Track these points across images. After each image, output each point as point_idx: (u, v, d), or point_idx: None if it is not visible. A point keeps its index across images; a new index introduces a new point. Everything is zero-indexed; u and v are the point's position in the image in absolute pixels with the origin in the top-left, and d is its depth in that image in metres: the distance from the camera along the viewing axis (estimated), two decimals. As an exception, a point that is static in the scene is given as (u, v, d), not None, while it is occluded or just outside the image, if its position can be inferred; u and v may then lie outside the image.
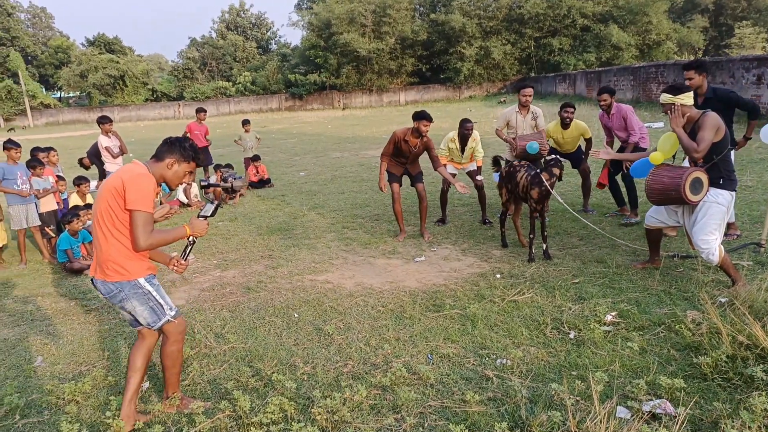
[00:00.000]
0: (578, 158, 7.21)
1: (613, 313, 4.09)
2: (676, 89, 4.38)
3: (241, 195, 9.88)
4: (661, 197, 4.49)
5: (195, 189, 9.66)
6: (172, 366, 3.20)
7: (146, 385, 3.59)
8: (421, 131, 6.21)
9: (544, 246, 5.62)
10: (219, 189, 9.39)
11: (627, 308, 4.17)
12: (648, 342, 3.67)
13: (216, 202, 3.26)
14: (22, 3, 61.96)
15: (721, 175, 4.32)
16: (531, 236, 5.61)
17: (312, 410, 3.04)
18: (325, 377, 3.56)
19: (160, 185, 3.18)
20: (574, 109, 7.03)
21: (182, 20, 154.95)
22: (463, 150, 7.03)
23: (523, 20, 39.55)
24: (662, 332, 3.79)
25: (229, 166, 10.25)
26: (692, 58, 38.84)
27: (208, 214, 3.19)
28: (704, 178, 4.29)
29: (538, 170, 5.61)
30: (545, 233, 5.65)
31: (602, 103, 6.65)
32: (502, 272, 5.30)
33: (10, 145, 6.77)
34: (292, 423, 2.85)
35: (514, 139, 6.92)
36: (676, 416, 2.72)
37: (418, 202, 6.75)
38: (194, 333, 4.32)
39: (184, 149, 3.04)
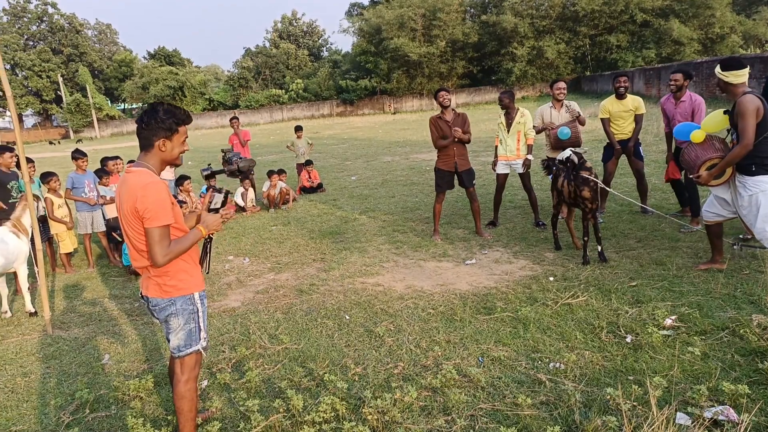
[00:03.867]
0: (635, 152, 6.92)
1: (673, 317, 3.94)
2: (727, 65, 4.22)
3: (294, 200, 10.10)
4: (687, 167, 4.68)
5: (251, 194, 9.94)
6: (189, 410, 2.85)
7: (204, 383, 3.73)
8: (443, 103, 6.50)
9: (599, 248, 5.47)
10: (272, 193, 9.66)
11: (688, 312, 4.01)
12: (710, 347, 3.52)
13: (224, 191, 3.03)
14: (90, 20, 65.62)
15: (753, 161, 4.15)
16: (585, 238, 5.48)
17: (363, 410, 3.08)
18: (375, 378, 3.59)
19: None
20: (628, 77, 6.88)
21: (238, 31, 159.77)
22: (509, 126, 6.95)
23: (578, 18, 38.62)
24: (726, 337, 3.62)
25: (230, 150, 10.33)
26: (758, 51, 36.87)
27: (219, 206, 3.02)
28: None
29: (576, 171, 5.49)
30: (599, 235, 5.50)
31: (673, 83, 6.10)
32: (555, 275, 5.20)
33: (78, 155, 7.19)
34: (344, 422, 2.90)
35: (545, 129, 6.83)
36: (739, 423, 2.60)
37: (470, 203, 6.76)
38: (249, 334, 4.46)
39: (162, 121, 2.65)
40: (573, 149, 5.63)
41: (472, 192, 6.71)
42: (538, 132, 7.01)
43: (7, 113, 57.32)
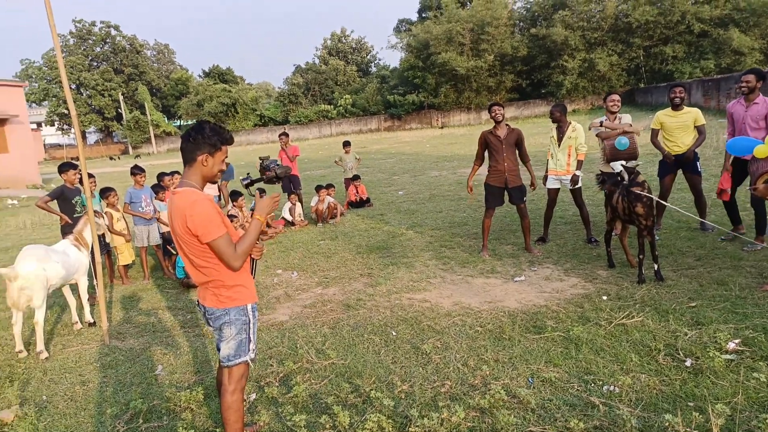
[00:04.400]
0: (692, 167, 6.65)
1: (737, 341, 3.73)
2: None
3: (341, 214, 10.19)
4: (751, 177, 4.58)
5: (299, 208, 10.10)
6: (235, 421, 2.90)
7: (252, 396, 3.78)
8: (496, 118, 6.45)
9: (656, 266, 5.25)
10: (320, 208, 9.79)
11: (752, 335, 3.79)
12: (779, 374, 3.31)
13: (270, 173, 3.08)
14: (149, 41, 68.79)
15: None
16: (640, 256, 5.28)
17: (409, 429, 3.05)
18: (422, 396, 3.55)
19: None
20: (684, 88, 6.63)
21: (289, 49, 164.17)
22: (560, 141, 6.81)
23: (631, 29, 37.65)
24: (796, 364, 3.40)
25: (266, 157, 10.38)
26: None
27: (249, 181, 3.10)
28: None
29: (628, 187, 5.32)
30: (656, 253, 5.28)
31: (744, 84, 5.73)
32: (609, 294, 5.03)
33: (136, 170, 7.51)
34: (390, 440, 2.87)
35: (602, 133, 6.64)
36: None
37: (520, 220, 6.66)
38: (297, 348, 4.50)
39: (208, 138, 2.77)
40: (624, 163, 5.45)
41: (522, 208, 6.62)
42: (597, 135, 6.84)
43: (72, 131, 60.67)
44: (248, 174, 3.33)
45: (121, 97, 56.71)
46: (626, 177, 5.30)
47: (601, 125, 6.62)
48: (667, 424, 2.83)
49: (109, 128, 61.53)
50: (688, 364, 3.57)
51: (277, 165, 3.09)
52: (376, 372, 3.96)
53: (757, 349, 3.63)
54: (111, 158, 49.54)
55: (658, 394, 3.29)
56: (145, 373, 4.39)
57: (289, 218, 9.94)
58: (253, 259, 3.05)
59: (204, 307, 2.91)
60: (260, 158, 3.52)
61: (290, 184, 10.60)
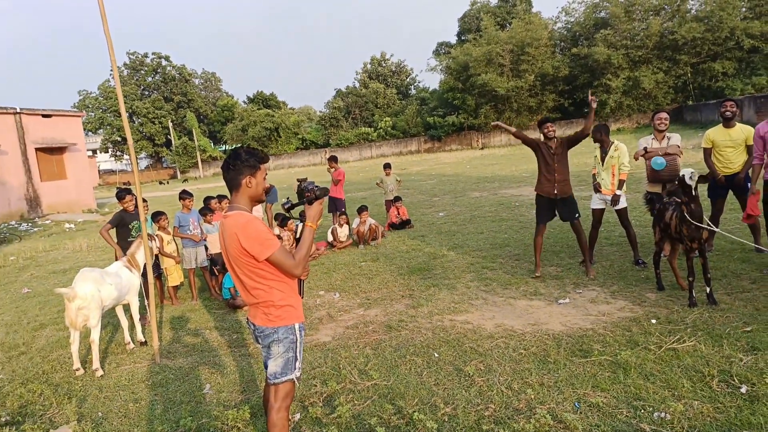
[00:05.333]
0: (743, 188, 6.41)
1: (797, 368, 3.57)
2: None
3: (383, 236, 10.26)
4: None
5: (346, 229, 10.21)
6: None
7: (297, 416, 3.83)
8: (548, 134, 6.43)
9: (708, 289, 5.08)
10: (362, 230, 9.89)
11: (815, 363, 3.62)
12: (844, 403, 3.15)
13: (311, 194, 3.16)
14: (197, 70, 71.52)
15: None
16: (690, 278, 5.12)
17: (453, 452, 3.03)
18: (466, 419, 3.53)
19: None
20: (735, 103, 6.42)
21: (330, 74, 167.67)
22: (603, 160, 6.73)
23: (677, 46, 36.88)
24: None
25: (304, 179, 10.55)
26: None
27: (315, 197, 3.15)
28: None
29: (678, 203, 5.14)
30: (708, 275, 5.11)
31: None
32: (658, 317, 4.88)
33: (185, 195, 7.81)
34: (433, 463, 2.86)
35: (645, 155, 6.51)
36: None
37: (576, 238, 6.63)
38: (340, 369, 4.54)
39: (246, 161, 2.93)
40: (692, 172, 5.05)
41: (577, 225, 6.52)
42: (638, 158, 6.74)
43: (126, 157, 63.36)
44: (288, 198, 3.44)
45: (170, 124, 59.00)
46: (693, 185, 5.00)
47: (645, 151, 6.54)
48: (722, 453, 2.73)
49: (159, 154, 64.01)
50: (743, 390, 3.43)
51: (316, 187, 3.21)
52: (418, 393, 3.95)
53: (820, 377, 3.46)
54: (160, 183, 51.41)
55: (712, 421, 3.17)
56: (194, 392, 4.51)
57: (330, 239, 10.06)
58: (301, 280, 3.13)
59: (254, 325, 3.02)
60: (298, 180, 3.64)
61: (335, 206, 10.80)
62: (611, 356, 4.18)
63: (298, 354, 2.99)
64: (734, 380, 3.57)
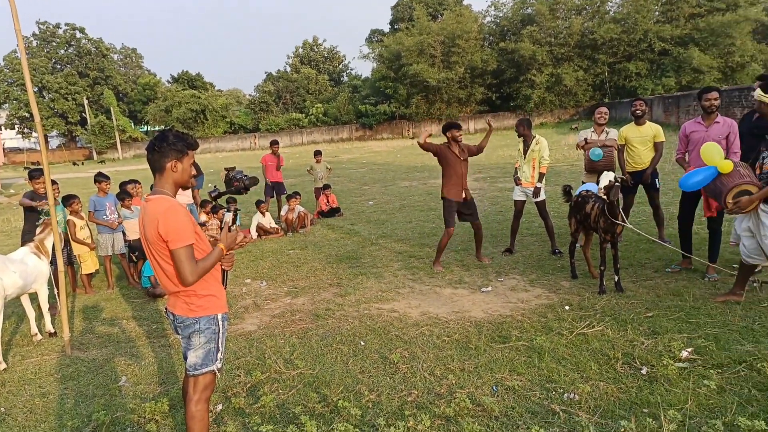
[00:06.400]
0: (651, 184, 6.86)
1: (689, 349, 3.90)
2: None
3: (312, 224, 10.19)
4: (713, 197, 4.66)
5: (269, 218, 10.04)
6: (200, 431, 2.89)
7: (219, 407, 3.77)
8: (458, 139, 6.62)
9: (616, 278, 5.44)
10: (291, 217, 9.77)
11: (704, 344, 3.97)
12: (727, 381, 3.48)
13: (234, 209, 3.17)
14: (116, 45, 67.45)
15: None
16: (602, 267, 5.46)
17: (376, 438, 3.09)
18: (389, 405, 3.60)
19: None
20: (645, 103, 6.89)
21: (260, 57, 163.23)
22: (525, 154, 7.03)
23: (596, 46, 38.87)
24: (743, 371, 3.57)
25: (233, 168, 10.45)
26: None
27: (230, 223, 3.13)
28: (755, 191, 4.15)
29: (600, 198, 5.47)
30: (617, 265, 5.47)
31: (709, 102, 5.48)
32: (572, 304, 5.18)
33: (101, 178, 7.39)
34: (356, 449, 2.91)
35: (584, 146, 6.89)
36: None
37: (474, 233, 6.97)
38: (265, 358, 4.50)
39: (173, 144, 2.82)
40: (614, 177, 5.35)
41: (477, 226, 6.92)
42: (579, 148, 7.11)
43: (34, 134, 58.99)
44: (215, 186, 3.38)
45: (85, 101, 55.42)
46: (609, 191, 5.27)
47: (586, 142, 6.89)
48: (622, 430, 2.95)
49: (73, 133, 60.04)
50: (644, 372, 3.72)
51: (245, 176, 3.12)
52: (344, 382, 3.99)
53: (708, 358, 3.80)
54: (74, 163, 48.37)
55: (616, 401, 3.41)
56: (108, 385, 4.32)
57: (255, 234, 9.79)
58: (225, 270, 3.07)
59: (173, 315, 2.92)
60: (226, 169, 3.57)
61: (273, 191, 10.64)
62: (528, 341, 4.39)
63: (220, 345, 2.93)
64: (636, 362, 3.86)
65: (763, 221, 4.28)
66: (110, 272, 7.33)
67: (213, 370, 2.92)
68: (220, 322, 2.92)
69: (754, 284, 5.03)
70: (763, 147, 4.39)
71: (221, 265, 3.00)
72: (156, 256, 2.81)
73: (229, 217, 3.09)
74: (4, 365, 4.77)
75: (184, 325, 2.88)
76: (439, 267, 6.81)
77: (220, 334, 2.93)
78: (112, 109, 53.20)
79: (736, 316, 4.43)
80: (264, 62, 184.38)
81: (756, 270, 4.89)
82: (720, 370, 3.62)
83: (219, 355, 2.93)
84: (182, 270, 2.69)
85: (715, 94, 5.49)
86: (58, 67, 61.05)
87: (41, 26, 59.53)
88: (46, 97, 57.62)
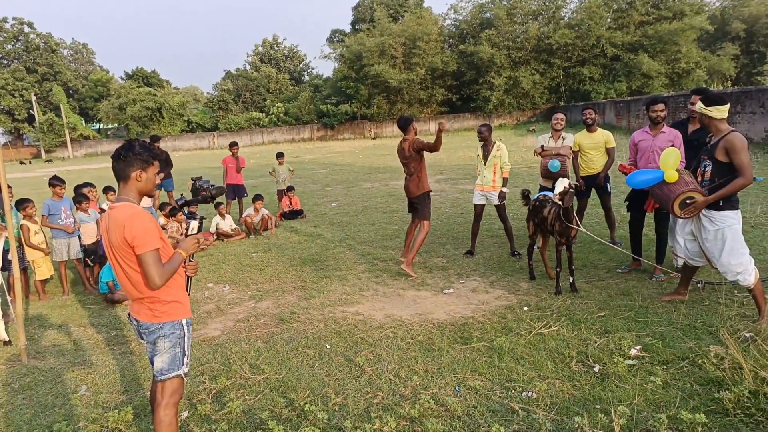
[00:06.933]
0: (603, 188, 7.17)
1: (638, 347, 4.14)
2: (711, 100, 4.35)
3: (276, 226, 10.17)
4: (660, 203, 4.93)
5: (229, 221, 9.96)
6: None
7: (185, 414, 3.77)
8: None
9: (571, 279, 5.68)
10: (251, 220, 9.72)
11: (651, 342, 4.21)
12: (671, 376, 3.72)
13: (199, 217, 3.30)
14: (66, 40, 65.10)
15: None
16: (558, 269, 5.69)
17: (343, 440, 3.17)
18: (355, 408, 3.69)
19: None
20: (595, 111, 7.18)
21: (218, 54, 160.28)
22: (485, 158, 7.21)
23: (552, 50, 39.91)
24: (686, 367, 3.82)
25: (199, 178, 10.49)
26: (721, 86, 38.49)
27: (195, 231, 3.31)
28: (699, 197, 4.43)
29: (558, 205, 5.68)
30: (572, 266, 5.72)
31: (656, 113, 5.75)
32: (530, 305, 5.38)
33: (56, 181, 7.20)
34: (324, 452, 2.98)
35: (541, 153, 7.11)
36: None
37: (417, 235, 6.75)
38: (230, 364, 4.51)
39: (139, 154, 2.89)
40: (569, 183, 5.54)
41: (422, 223, 6.79)
42: (536, 155, 7.30)
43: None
44: (182, 195, 3.47)
45: (33, 98, 53.24)
46: (564, 197, 5.49)
47: (542, 149, 7.10)
48: (576, 425, 3.13)
49: (20, 130, 57.71)
50: (596, 369, 3.92)
51: (211, 186, 3.24)
52: (310, 385, 4.05)
53: (655, 355, 4.04)
54: (21, 162, 46.47)
55: (570, 398, 3.60)
56: (68, 394, 4.25)
57: (225, 230, 9.73)
58: (188, 276, 3.12)
59: (137, 321, 2.96)
60: (192, 179, 3.64)
61: (234, 194, 10.63)
62: (488, 342, 4.55)
63: (185, 349, 2.99)
64: (589, 360, 4.06)
65: (704, 225, 4.56)
66: (65, 278, 7.15)
67: (180, 375, 2.97)
68: (185, 327, 2.99)
69: (698, 284, 5.34)
70: (703, 155, 4.68)
71: (185, 272, 3.07)
72: (121, 262, 2.85)
73: (194, 224, 3.31)
74: (-44, 376, 4.62)
75: (149, 331, 2.93)
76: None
77: (186, 339, 2.99)
78: (61, 106, 51.27)
79: (680, 314, 4.71)
80: (222, 60, 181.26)
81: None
82: (665, 367, 3.86)
83: (185, 359, 2.99)
84: (150, 273, 2.75)
85: (661, 106, 5.81)
86: (5, 62, 58.50)
87: (-15, 20, 56.97)
88: (-9, 94, 55.19)
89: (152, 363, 2.98)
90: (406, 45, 43.05)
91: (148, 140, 8.83)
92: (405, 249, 7.13)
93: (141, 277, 2.83)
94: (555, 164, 6.77)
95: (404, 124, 6.73)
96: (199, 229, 3.35)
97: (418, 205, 6.76)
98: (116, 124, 57.37)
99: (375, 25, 45.73)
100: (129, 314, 3.07)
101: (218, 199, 10.62)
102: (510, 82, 40.79)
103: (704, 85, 36.95)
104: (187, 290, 3.09)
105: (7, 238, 5.99)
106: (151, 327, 2.91)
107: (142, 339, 3.00)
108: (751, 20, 41.03)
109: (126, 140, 2.99)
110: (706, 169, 4.60)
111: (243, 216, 10.12)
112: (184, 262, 3.05)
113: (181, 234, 8.37)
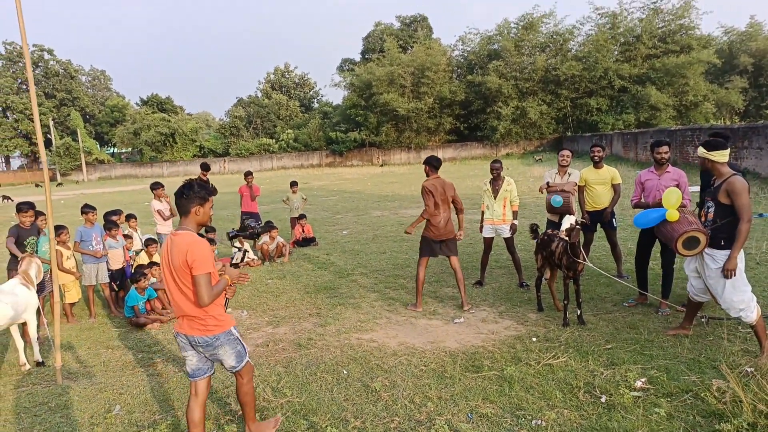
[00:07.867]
0: (609, 223, 7.39)
1: (643, 379, 4.34)
2: (712, 146, 4.69)
3: (290, 253, 10.45)
4: (663, 239, 5.26)
5: (247, 247, 10.25)
6: (251, 402, 3.83)
7: (214, 433, 4.00)
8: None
9: (579, 311, 5.90)
10: (266, 247, 9.99)
11: (657, 375, 4.42)
12: (675, 408, 3.92)
13: (243, 249, 3.91)
14: (84, 66, 66.78)
15: (724, 235, 4.62)
16: (565, 301, 5.91)
17: (364, 461, 3.38)
18: None
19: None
20: (603, 148, 7.43)
21: (231, 81, 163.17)
22: (495, 193, 7.47)
23: (559, 81, 40.50)
24: (689, 399, 4.02)
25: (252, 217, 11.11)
26: (728, 120, 38.84)
27: (239, 261, 3.94)
28: (702, 237, 4.67)
29: (565, 240, 5.92)
30: (580, 299, 5.94)
31: (660, 155, 6.10)
32: (538, 335, 5.59)
33: (87, 209, 7.57)
34: (348, 471, 3.20)
35: (547, 189, 7.37)
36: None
37: (454, 274, 6.82)
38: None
39: (197, 193, 3.48)
40: (575, 220, 5.78)
41: (455, 262, 6.71)
42: (542, 191, 7.58)
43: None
44: (234, 228, 4.10)
45: (51, 123, 54.45)
46: (570, 233, 5.73)
47: (548, 186, 7.38)
48: (584, 451, 3.33)
49: (36, 154, 58.75)
50: (603, 400, 4.13)
51: (257, 225, 3.93)
52: (330, 409, 4.28)
53: (660, 387, 4.24)
54: (37, 185, 47.24)
55: (578, 427, 3.80)
56: (103, 414, 4.48)
57: (252, 257, 10.00)
58: (227, 298, 3.73)
59: (188, 337, 3.53)
60: (243, 216, 4.26)
61: (252, 221, 11.08)
62: (498, 371, 4.77)
63: (243, 344, 3.72)
64: (596, 391, 4.27)
65: (707, 264, 4.80)
66: (92, 301, 7.44)
67: (248, 360, 3.74)
68: (235, 332, 3.66)
69: (702, 319, 5.55)
70: (707, 197, 4.95)
71: (225, 294, 3.67)
72: (177, 281, 3.40)
73: (238, 256, 4.11)
74: (-6, 395, 4.87)
75: (206, 344, 3.52)
76: (418, 309, 6.76)
77: (239, 338, 3.69)
78: (78, 130, 52.39)
79: (684, 348, 4.92)
80: (235, 87, 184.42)
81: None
82: (669, 399, 4.06)
83: (246, 349, 3.74)
84: (201, 293, 3.31)
85: (665, 149, 6.15)
86: (24, 87, 59.95)
87: (8, 46, 58.58)
88: (10, 118, 56.47)
89: (196, 372, 3.64)
90: (415, 74, 43.85)
91: (199, 168, 9.42)
92: (418, 298, 6.79)
93: (192, 295, 3.37)
94: (557, 200, 7.05)
95: (439, 165, 6.64)
96: (242, 259, 4.10)
97: (452, 243, 6.69)
98: (130, 149, 58.37)
99: (385, 54, 46.67)
100: (176, 332, 3.60)
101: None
102: (517, 112, 41.35)
103: (712, 118, 37.35)
104: (225, 308, 3.63)
105: (43, 263, 6.33)
106: (209, 340, 3.49)
107: (188, 351, 3.60)
108: (759, 54, 41.49)
109: (186, 180, 3.57)
110: (710, 210, 4.86)
111: (259, 243, 10.42)
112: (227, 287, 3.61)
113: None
